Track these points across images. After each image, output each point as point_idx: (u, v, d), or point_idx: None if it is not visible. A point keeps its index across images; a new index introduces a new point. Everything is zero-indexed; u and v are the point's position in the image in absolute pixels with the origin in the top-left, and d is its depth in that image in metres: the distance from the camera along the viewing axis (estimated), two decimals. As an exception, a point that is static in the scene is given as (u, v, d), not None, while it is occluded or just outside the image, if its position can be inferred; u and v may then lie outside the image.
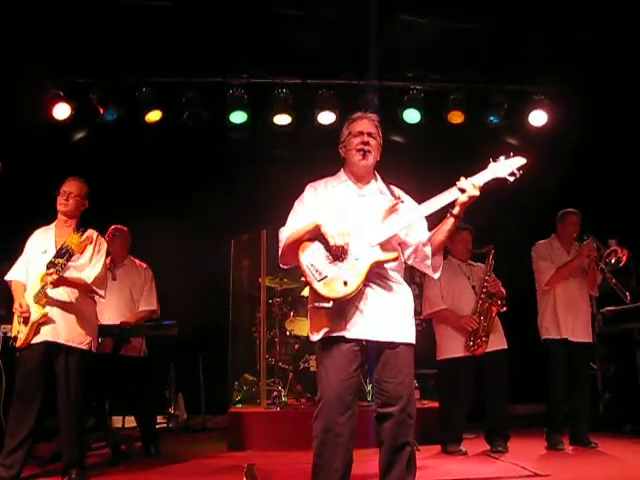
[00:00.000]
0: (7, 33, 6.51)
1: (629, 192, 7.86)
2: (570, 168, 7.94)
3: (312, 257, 3.45)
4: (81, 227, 5.05)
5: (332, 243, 3.37)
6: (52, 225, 5.11)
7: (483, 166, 3.55)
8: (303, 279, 3.48)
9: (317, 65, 7.58)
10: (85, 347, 4.88)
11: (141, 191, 7.99)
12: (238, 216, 8.03)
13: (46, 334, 4.76)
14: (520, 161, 3.52)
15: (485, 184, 3.50)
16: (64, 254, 4.74)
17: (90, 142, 7.90)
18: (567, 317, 6.00)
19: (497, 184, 3.54)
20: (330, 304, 3.37)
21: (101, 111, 7.61)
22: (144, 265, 6.41)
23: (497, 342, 5.93)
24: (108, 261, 6.24)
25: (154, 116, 7.71)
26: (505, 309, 6.00)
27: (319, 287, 3.37)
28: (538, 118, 8.03)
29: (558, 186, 7.85)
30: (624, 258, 5.86)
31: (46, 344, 4.75)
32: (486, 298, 5.92)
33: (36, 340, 4.76)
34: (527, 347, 6.14)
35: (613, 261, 5.90)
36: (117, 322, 5.91)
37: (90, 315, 5.05)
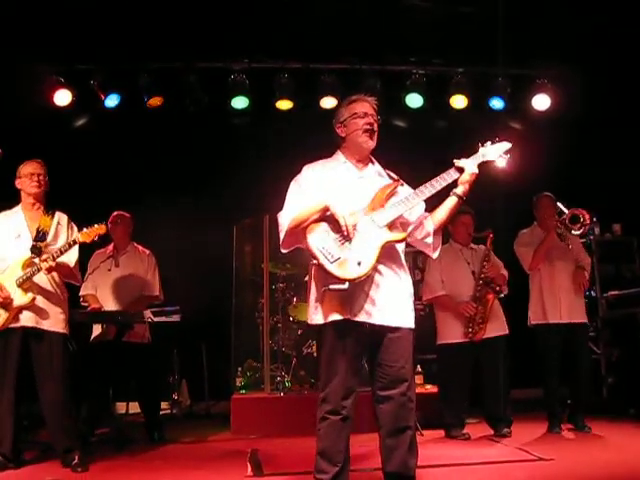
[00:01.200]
0: (7, 19, 6.47)
1: (632, 175, 7.83)
2: (573, 151, 7.91)
3: (322, 239, 3.40)
4: (49, 209, 5.01)
5: (343, 223, 3.35)
6: (17, 209, 5.01)
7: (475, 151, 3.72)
8: (314, 262, 3.42)
9: (319, 50, 7.54)
10: (65, 331, 4.89)
11: (143, 177, 7.99)
12: (240, 201, 8.01)
13: (25, 320, 4.73)
14: (506, 145, 3.74)
15: (479, 165, 3.66)
16: (42, 238, 4.76)
17: (91, 128, 7.89)
18: (554, 301, 5.96)
19: (487, 167, 3.71)
20: (346, 285, 3.33)
21: (102, 97, 7.59)
22: (147, 251, 6.40)
23: (497, 328, 5.93)
24: (111, 247, 6.26)
25: (155, 102, 7.68)
26: (504, 293, 6.00)
27: (333, 269, 3.33)
28: (541, 102, 8.00)
29: (561, 169, 7.83)
30: (587, 217, 5.80)
31: (24, 330, 4.73)
32: (483, 284, 5.92)
33: (14, 325, 4.72)
34: (525, 332, 6.13)
35: (579, 231, 5.83)
36: (120, 309, 5.92)
37: (65, 300, 5.01)
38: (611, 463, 4.69)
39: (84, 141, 7.64)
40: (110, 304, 6.02)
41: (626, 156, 7.88)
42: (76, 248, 4.92)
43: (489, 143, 3.73)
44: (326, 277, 3.38)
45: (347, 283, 3.33)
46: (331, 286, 3.36)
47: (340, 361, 3.45)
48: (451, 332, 5.96)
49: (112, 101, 7.63)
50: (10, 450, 4.69)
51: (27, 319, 4.73)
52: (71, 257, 4.91)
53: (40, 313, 4.77)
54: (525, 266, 6.11)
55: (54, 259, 4.64)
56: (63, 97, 7.49)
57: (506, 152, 3.72)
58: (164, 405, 7.41)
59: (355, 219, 3.40)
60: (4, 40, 6.58)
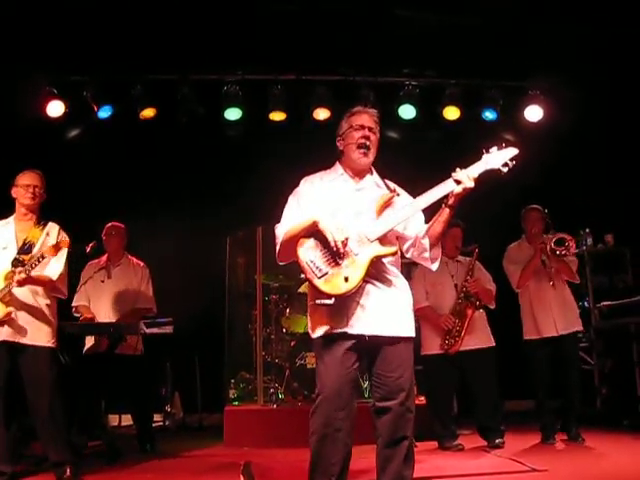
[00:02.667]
0: (1, 31, 6.47)
1: (626, 186, 7.86)
2: (566, 162, 7.94)
3: (311, 254, 3.40)
4: (42, 220, 4.94)
5: (331, 239, 3.33)
6: (10, 219, 4.94)
7: (477, 158, 3.55)
8: (303, 276, 3.44)
9: (312, 61, 7.56)
10: (52, 345, 4.79)
11: (136, 188, 7.98)
12: (233, 213, 8.01)
13: (6, 334, 4.63)
14: (512, 152, 3.52)
15: (480, 175, 3.49)
16: (27, 250, 4.67)
17: (84, 140, 7.87)
18: (546, 315, 5.96)
19: (491, 175, 3.54)
20: (332, 301, 3.33)
21: (95, 108, 7.58)
22: (141, 263, 6.39)
23: (480, 340, 5.97)
24: (105, 259, 6.24)
25: (148, 113, 7.68)
26: (492, 307, 6.04)
27: (320, 284, 3.34)
28: (534, 113, 8.02)
29: (554, 180, 7.85)
30: (572, 245, 5.81)
31: (6, 344, 4.64)
32: (464, 298, 5.96)
33: None
34: (517, 343, 6.14)
35: (562, 252, 5.82)
36: (113, 320, 5.90)
37: (53, 313, 4.89)
38: (605, 474, 4.70)
39: (77, 152, 7.63)
40: (103, 316, 6.00)
41: (618, 167, 7.91)
42: (61, 261, 4.78)
43: (494, 149, 3.55)
44: (316, 291, 3.39)
45: (333, 298, 3.33)
46: (317, 301, 3.38)
47: (332, 372, 3.43)
48: (432, 343, 6.02)
49: (105, 112, 7.62)
50: (6, 467, 4.62)
51: (7, 334, 4.63)
52: (54, 270, 4.76)
53: (20, 327, 4.65)
54: (513, 284, 6.12)
55: (27, 272, 4.54)
56: (56, 108, 7.47)
57: (511, 159, 3.50)
58: (157, 417, 7.38)
59: (345, 234, 3.36)
60: (-3, 52, 6.59)
